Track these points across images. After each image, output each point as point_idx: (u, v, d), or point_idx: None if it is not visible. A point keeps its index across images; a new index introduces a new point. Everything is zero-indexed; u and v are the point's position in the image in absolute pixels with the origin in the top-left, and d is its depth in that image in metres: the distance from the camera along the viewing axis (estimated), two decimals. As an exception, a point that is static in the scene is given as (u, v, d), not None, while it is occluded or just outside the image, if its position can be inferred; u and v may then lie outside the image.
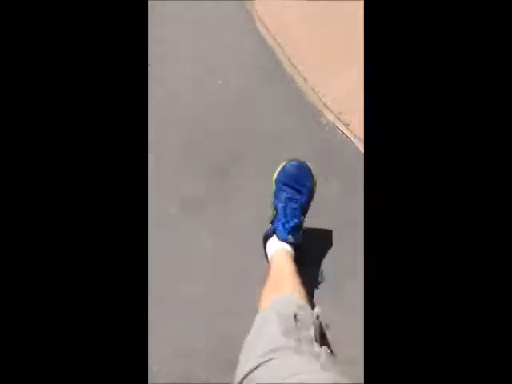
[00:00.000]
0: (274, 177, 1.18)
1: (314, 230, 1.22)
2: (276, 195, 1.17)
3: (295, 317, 0.82)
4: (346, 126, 1.35)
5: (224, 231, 1.25)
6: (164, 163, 1.33)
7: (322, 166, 1.32)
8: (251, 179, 1.32)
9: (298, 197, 1.14)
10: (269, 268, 1.08)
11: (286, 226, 1.11)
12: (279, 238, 1.10)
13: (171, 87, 1.42)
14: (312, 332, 0.82)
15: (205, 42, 1.48)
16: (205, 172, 1.33)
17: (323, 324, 0.88)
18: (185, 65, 1.47)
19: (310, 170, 1.16)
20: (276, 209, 1.15)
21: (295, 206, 1.13)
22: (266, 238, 1.13)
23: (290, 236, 1.10)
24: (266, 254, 1.14)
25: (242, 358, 0.80)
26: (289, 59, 1.43)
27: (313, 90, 1.40)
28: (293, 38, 1.44)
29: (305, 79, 1.41)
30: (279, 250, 1.10)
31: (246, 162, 1.35)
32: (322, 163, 1.32)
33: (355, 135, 1.34)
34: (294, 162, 1.15)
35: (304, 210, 1.15)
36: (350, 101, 1.37)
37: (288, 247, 1.10)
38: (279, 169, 1.17)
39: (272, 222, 1.14)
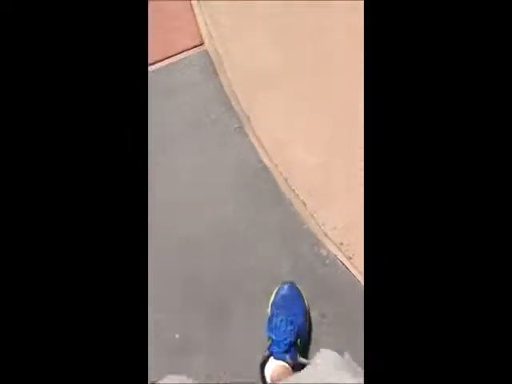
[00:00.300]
0: (270, 302, 1.18)
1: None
2: (271, 320, 1.15)
3: None
4: (349, 259, 1.24)
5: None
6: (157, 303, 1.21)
7: (322, 305, 1.21)
8: (246, 317, 1.22)
9: (293, 318, 1.13)
10: None
11: (282, 345, 1.08)
12: (276, 358, 1.08)
13: (159, 216, 1.31)
14: None
15: (192, 160, 1.38)
16: (199, 314, 1.23)
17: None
18: (172, 189, 1.36)
19: (300, 292, 1.18)
20: (272, 331, 1.12)
21: (291, 327, 1.11)
22: (262, 365, 1.10)
23: (288, 355, 1.07)
24: (264, 382, 1.11)
25: None
26: (285, 180, 1.33)
27: (312, 216, 1.29)
28: (291, 158, 1.34)
29: (304, 204, 1.30)
30: (276, 368, 1.07)
31: (239, 301, 1.23)
32: (322, 301, 1.21)
33: (359, 270, 1.22)
34: (286, 285, 1.18)
35: (301, 332, 1.13)
36: (352, 230, 1.26)
37: (286, 365, 1.07)
38: (273, 294, 1.18)
39: (269, 347, 1.10)
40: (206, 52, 1.47)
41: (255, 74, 1.43)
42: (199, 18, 1.48)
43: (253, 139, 1.38)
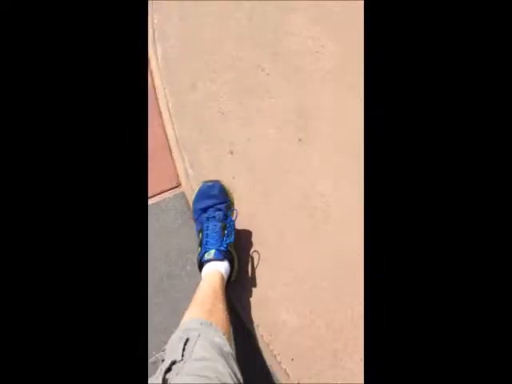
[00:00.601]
0: (192, 201, 1.25)
1: None
2: (196, 219, 1.24)
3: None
4: None
5: None
6: None
7: None
8: None
9: (215, 213, 1.19)
10: None
11: (213, 246, 1.15)
12: (210, 260, 1.15)
13: None
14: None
15: (164, 317, 1.26)
16: None
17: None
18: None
19: (223, 186, 1.23)
20: (200, 232, 1.20)
21: (217, 224, 1.18)
22: (200, 266, 1.18)
23: (220, 257, 1.15)
24: None
25: None
26: (267, 345, 1.21)
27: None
28: (273, 318, 1.23)
29: (287, 374, 1.17)
30: (208, 271, 1.14)
31: None
32: None
33: None
34: (208, 183, 1.23)
35: (225, 226, 1.19)
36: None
37: (219, 267, 1.14)
38: (195, 192, 1.24)
39: (200, 245, 1.19)
40: (183, 194, 1.39)
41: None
42: (177, 159, 1.41)
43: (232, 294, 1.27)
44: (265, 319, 1.23)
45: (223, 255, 1.15)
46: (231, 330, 1.04)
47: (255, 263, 1.29)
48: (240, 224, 1.30)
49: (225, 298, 1.08)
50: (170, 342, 0.91)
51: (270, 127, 1.42)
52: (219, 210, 1.21)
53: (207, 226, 1.18)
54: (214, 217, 1.19)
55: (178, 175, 1.40)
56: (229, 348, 0.89)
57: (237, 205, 1.28)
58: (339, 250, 1.27)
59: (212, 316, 0.97)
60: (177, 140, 1.42)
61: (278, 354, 1.19)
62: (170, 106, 1.44)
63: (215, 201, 1.21)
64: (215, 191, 1.22)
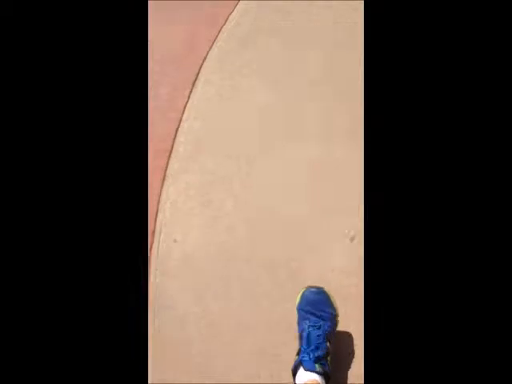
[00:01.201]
0: (296, 305, 1.20)
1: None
2: (299, 323, 1.19)
3: None
4: None
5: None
6: None
7: None
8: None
9: (320, 323, 1.14)
10: None
11: (312, 355, 1.10)
12: (306, 369, 1.08)
13: None
14: None
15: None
16: None
17: None
18: None
19: (329, 297, 1.18)
20: (301, 338, 1.15)
21: (319, 332, 1.13)
22: (294, 370, 1.11)
23: (317, 365, 1.09)
24: None
25: None
26: None
27: None
28: None
29: None
30: (308, 382, 1.07)
31: None
32: None
33: None
34: (312, 289, 1.18)
35: (329, 337, 1.14)
36: None
37: (317, 378, 1.08)
38: (299, 297, 1.20)
39: (298, 353, 1.13)
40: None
41: None
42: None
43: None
44: None
45: (317, 368, 1.08)
46: None
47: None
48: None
49: None
50: None
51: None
52: (324, 319, 1.15)
53: (308, 333, 1.12)
54: (314, 326, 1.13)
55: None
56: None
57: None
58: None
59: None
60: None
61: None
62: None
63: (320, 309, 1.16)
64: (321, 299, 1.17)
